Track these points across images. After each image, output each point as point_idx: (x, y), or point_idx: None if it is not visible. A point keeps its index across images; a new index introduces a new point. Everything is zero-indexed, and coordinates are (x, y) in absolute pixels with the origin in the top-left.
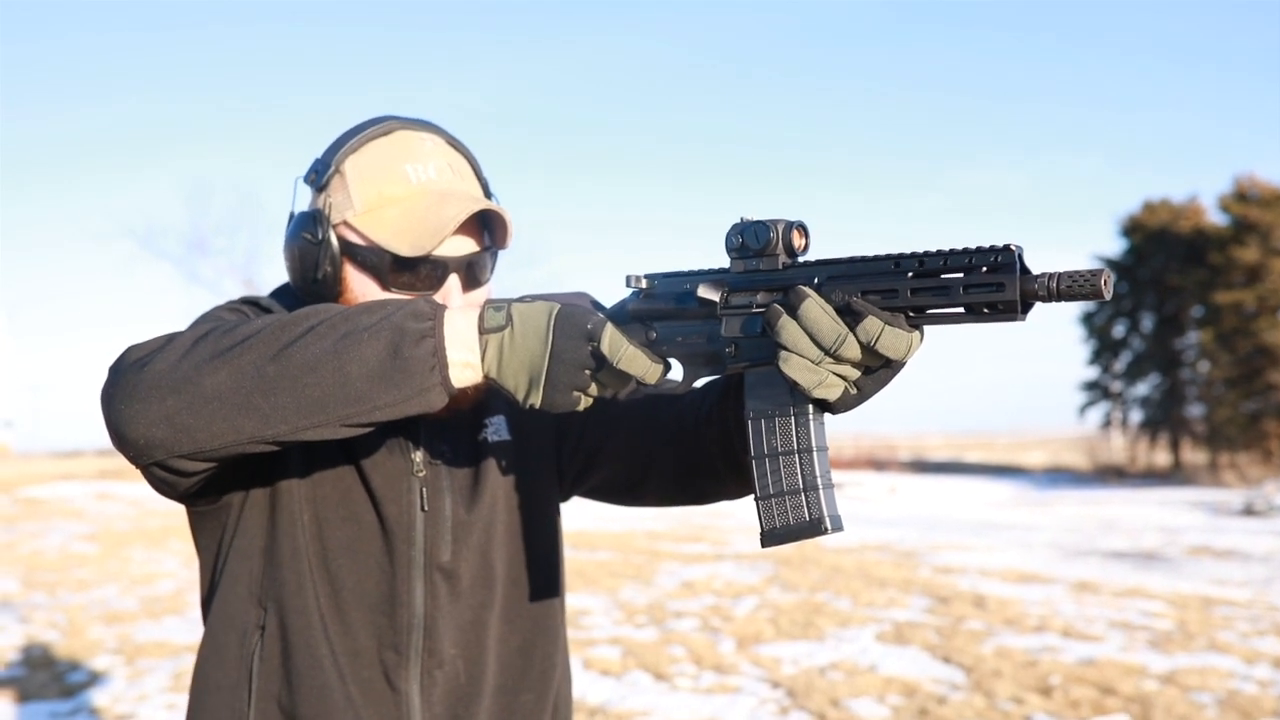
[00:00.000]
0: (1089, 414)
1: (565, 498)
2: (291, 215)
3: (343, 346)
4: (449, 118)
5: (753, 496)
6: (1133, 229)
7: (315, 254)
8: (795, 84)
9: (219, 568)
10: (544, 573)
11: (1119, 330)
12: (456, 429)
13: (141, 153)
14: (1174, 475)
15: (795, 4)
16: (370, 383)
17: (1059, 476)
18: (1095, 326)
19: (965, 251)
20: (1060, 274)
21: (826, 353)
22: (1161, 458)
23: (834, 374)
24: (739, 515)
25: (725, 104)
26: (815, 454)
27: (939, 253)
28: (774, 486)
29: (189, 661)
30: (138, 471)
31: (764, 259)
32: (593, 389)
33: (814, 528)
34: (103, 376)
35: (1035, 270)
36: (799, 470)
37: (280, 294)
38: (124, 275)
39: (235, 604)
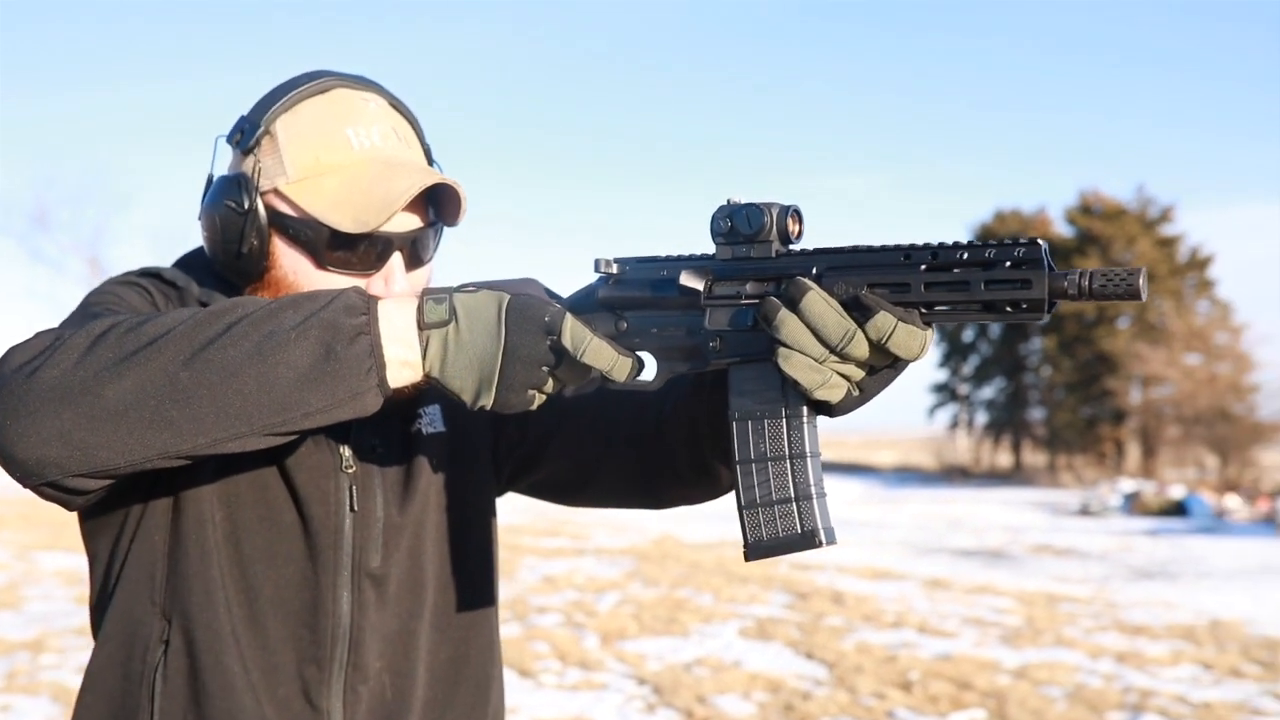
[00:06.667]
0: (937, 415)
1: (500, 493)
2: (210, 179)
3: (268, 348)
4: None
5: (735, 505)
6: (984, 235)
7: (239, 224)
8: (673, 82)
9: (114, 574)
10: (477, 577)
11: (968, 334)
12: (388, 421)
13: None
14: (1015, 476)
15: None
16: (299, 388)
17: (908, 476)
18: (946, 330)
19: (985, 245)
20: (1093, 272)
21: (832, 351)
22: (1004, 459)
23: (838, 374)
24: (599, 510)
25: (594, 98)
26: (809, 460)
27: (955, 245)
28: (761, 495)
29: (23, 660)
30: None
31: (755, 246)
32: (549, 385)
33: (807, 540)
34: None
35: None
36: (790, 478)
37: (188, 266)
38: None
39: (133, 614)
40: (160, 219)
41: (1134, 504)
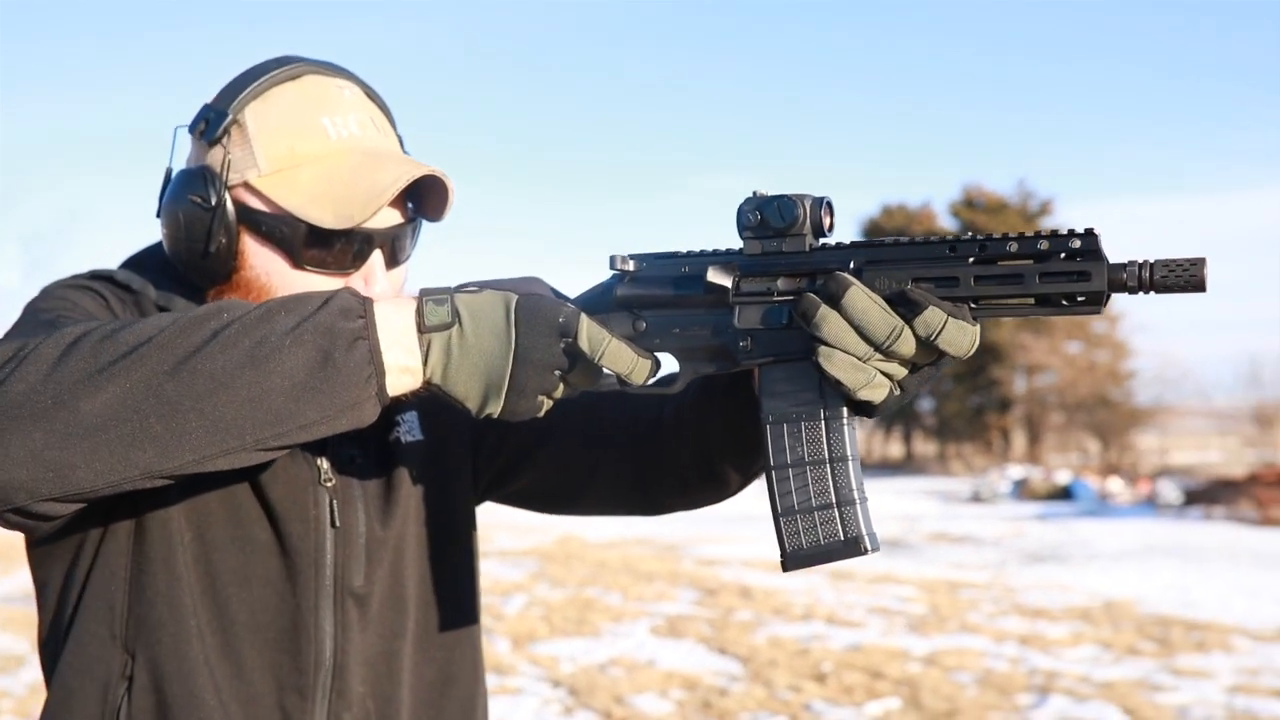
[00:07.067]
0: None
1: (478, 503)
2: (170, 172)
3: (261, 355)
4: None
5: (771, 513)
6: (872, 231)
7: (206, 221)
8: (526, 83)
9: (69, 604)
10: (459, 593)
11: None
12: (366, 429)
13: None
14: (907, 465)
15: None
16: (295, 398)
17: None
18: None
19: (1036, 236)
20: (1154, 263)
21: (876, 349)
22: (895, 449)
23: (881, 372)
24: (499, 511)
25: (473, 95)
26: (850, 463)
27: (1004, 237)
28: (800, 501)
29: None
30: None
31: (787, 239)
32: (559, 390)
33: (851, 547)
34: None
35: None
36: (831, 482)
37: (140, 266)
38: None
39: (92, 650)
40: (34, 224)
41: (1022, 490)
